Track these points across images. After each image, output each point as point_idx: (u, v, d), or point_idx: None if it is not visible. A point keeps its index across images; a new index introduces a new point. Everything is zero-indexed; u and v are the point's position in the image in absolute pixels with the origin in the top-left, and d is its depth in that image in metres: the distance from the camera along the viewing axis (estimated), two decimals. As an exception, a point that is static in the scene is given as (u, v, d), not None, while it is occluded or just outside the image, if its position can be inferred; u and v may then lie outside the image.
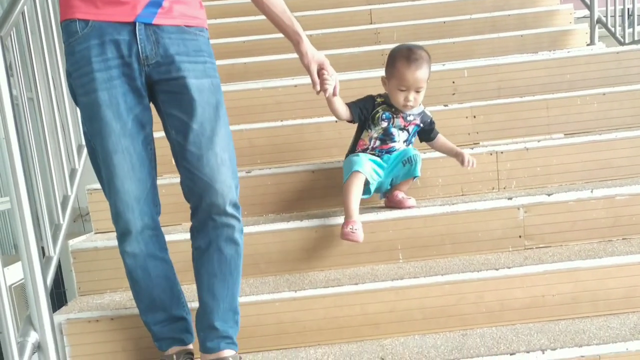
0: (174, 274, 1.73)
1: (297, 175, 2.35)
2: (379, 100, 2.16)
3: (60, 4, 1.55)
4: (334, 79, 1.89)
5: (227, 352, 1.66)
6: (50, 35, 2.16)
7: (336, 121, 2.49)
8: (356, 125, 2.19)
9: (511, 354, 1.67)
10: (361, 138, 2.19)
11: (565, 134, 2.55)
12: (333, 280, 1.96)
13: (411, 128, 2.18)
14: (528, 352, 1.67)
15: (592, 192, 2.13)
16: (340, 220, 2.08)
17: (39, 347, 1.61)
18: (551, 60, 2.83)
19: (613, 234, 2.15)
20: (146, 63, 1.53)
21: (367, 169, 2.07)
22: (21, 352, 1.53)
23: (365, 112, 2.14)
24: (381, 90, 2.18)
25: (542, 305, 1.90)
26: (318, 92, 1.89)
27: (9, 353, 1.51)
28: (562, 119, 2.59)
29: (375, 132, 2.15)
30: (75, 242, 2.12)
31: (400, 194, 2.16)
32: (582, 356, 1.67)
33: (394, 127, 2.15)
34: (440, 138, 2.24)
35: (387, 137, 2.15)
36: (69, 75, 1.56)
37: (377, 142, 2.16)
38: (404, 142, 2.18)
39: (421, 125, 2.20)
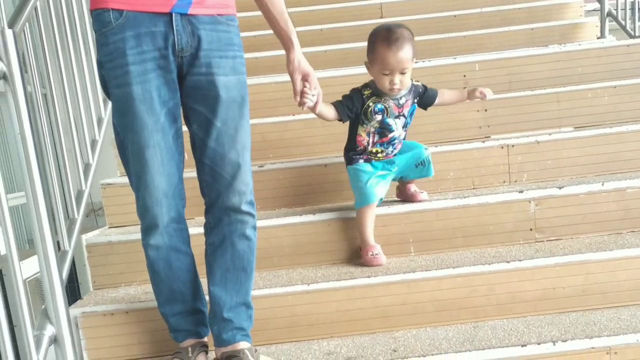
0: (195, 268, 1.73)
1: (309, 170, 2.37)
2: (366, 92, 2.09)
3: None
4: (316, 93, 1.86)
5: (243, 344, 1.67)
6: (64, 30, 2.17)
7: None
8: None
9: (522, 346, 1.69)
10: (358, 133, 2.13)
11: (575, 127, 2.56)
12: (345, 274, 1.98)
13: (406, 111, 2.12)
14: (539, 343, 1.69)
15: (602, 184, 2.14)
16: (353, 214, 2.11)
17: (55, 340, 1.62)
18: (562, 54, 2.83)
19: (624, 227, 2.15)
20: (181, 55, 1.52)
21: (379, 193, 2.07)
22: (38, 345, 1.54)
23: (354, 109, 2.08)
24: None
25: (553, 297, 1.91)
26: (299, 104, 1.87)
27: (26, 346, 1.51)
28: (573, 112, 2.59)
29: (371, 127, 2.10)
30: (90, 237, 2.14)
31: (412, 188, 2.17)
32: (593, 347, 1.68)
33: (389, 117, 2.09)
34: (444, 92, 2.20)
35: (384, 129, 2.10)
36: (100, 65, 1.55)
37: (376, 137, 2.11)
38: (403, 128, 2.14)
39: (416, 100, 2.15)
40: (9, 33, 1.47)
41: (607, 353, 1.68)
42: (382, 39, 1.97)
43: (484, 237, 2.15)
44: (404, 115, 2.12)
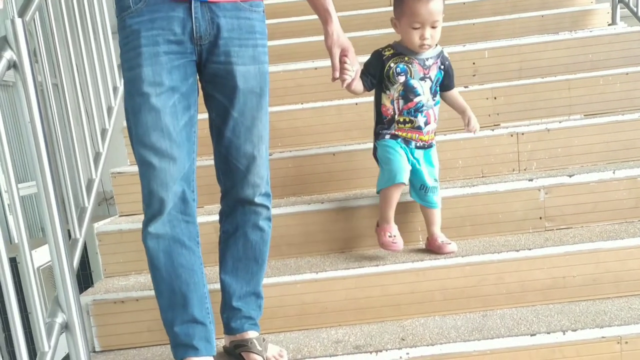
0: (202, 273, 1.57)
1: (317, 158, 2.34)
2: (387, 53, 1.95)
3: None
4: (354, 69, 1.75)
5: (251, 334, 1.66)
6: (74, 20, 2.15)
7: (356, 103, 2.48)
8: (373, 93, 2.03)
9: (532, 335, 1.66)
10: (382, 103, 1.98)
11: (587, 115, 2.51)
12: (354, 262, 1.95)
13: (433, 74, 1.95)
14: (549, 333, 1.66)
15: (614, 173, 2.09)
16: (361, 202, 2.08)
17: (66, 328, 1.60)
18: (573, 40, 2.76)
19: (635, 215, 2.11)
20: (199, 43, 1.47)
21: (408, 174, 1.94)
22: (49, 332, 1.53)
23: (376, 74, 1.95)
24: None
25: (563, 286, 1.88)
26: (334, 79, 1.75)
27: (37, 333, 1.50)
28: (584, 99, 2.53)
29: (394, 92, 1.94)
30: (101, 225, 2.14)
31: (439, 239, 1.98)
32: (603, 337, 1.65)
33: (413, 78, 1.93)
34: (454, 91, 2.07)
35: (408, 92, 1.93)
36: (120, 50, 1.51)
37: (401, 102, 1.94)
38: (430, 92, 1.96)
39: (442, 67, 1.98)
40: (18, 22, 1.44)
41: (618, 342, 1.65)
42: None
43: (493, 226, 2.11)
44: (429, 78, 1.95)
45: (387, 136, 1.98)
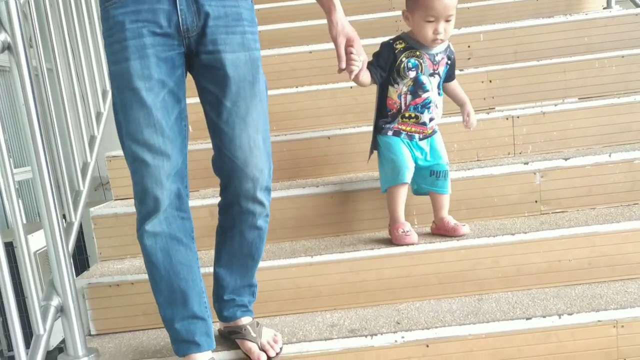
0: (198, 268, 1.53)
1: (312, 142, 2.29)
2: (399, 46, 1.87)
3: None
4: (361, 59, 1.67)
5: (245, 320, 1.62)
6: (69, 6, 2.10)
7: (351, 87, 2.42)
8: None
9: (527, 319, 1.61)
10: (389, 96, 1.91)
11: (582, 98, 2.46)
12: (349, 246, 1.91)
13: (441, 70, 1.90)
14: (544, 316, 1.61)
15: (610, 156, 2.05)
16: (356, 185, 2.04)
17: (61, 311, 1.58)
18: (569, 23, 2.71)
19: (631, 199, 2.07)
20: (187, 35, 1.39)
21: (412, 172, 1.88)
22: (44, 315, 1.52)
23: (387, 67, 1.87)
24: None
25: (559, 270, 1.84)
26: (340, 70, 1.66)
27: (33, 316, 1.49)
28: (580, 82, 2.48)
29: (404, 86, 1.88)
30: (96, 209, 2.09)
31: (452, 221, 1.92)
32: (599, 321, 1.61)
33: (424, 74, 1.87)
34: (455, 83, 2.01)
35: (417, 87, 1.87)
36: (104, 41, 1.44)
37: (409, 97, 1.88)
38: (437, 88, 1.91)
39: (449, 62, 1.93)
40: (12, 3, 1.40)
41: (614, 326, 1.61)
42: None
43: (489, 209, 2.07)
44: (438, 74, 1.90)
45: (390, 132, 1.92)
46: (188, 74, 1.50)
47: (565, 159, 2.06)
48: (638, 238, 1.83)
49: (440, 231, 1.94)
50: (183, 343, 1.51)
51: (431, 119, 1.92)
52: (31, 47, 1.56)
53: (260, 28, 3.06)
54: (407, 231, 1.85)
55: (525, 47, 2.71)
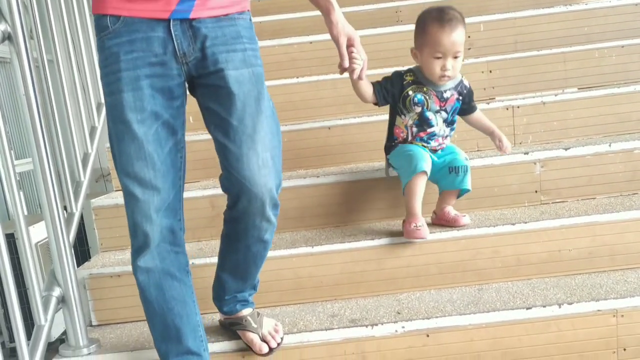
0: (194, 302, 1.49)
1: (313, 132, 2.27)
2: (408, 78, 1.86)
3: None
4: (363, 58, 1.64)
5: (245, 312, 1.59)
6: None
7: (352, 78, 2.40)
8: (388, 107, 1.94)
9: (527, 308, 1.60)
10: (396, 125, 1.92)
11: (583, 88, 2.43)
12: (349, 236, 1.89)
13: (449, 107, 1.88)
14: (544, 306, 1.60)
15: (610, 145, 2.02)
16: (357, 176, 2.02)
17: (62, 301, 1.58)
18: (569, 13, 2.68)
19: (631, 188, 2.05)
20: (185, 61, 1.34)
21: (429, 165, 1.82)
22: (45, 305, 1.52)
23: (391, 93, 1.86)
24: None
25: (559, 260, 1.82)
26: (343, 72, 1.64)
27: (34, 306, 1.49)
28: (580, 72, 2.46)
29: (409, 119, 1.87)
30: (97, 200, 2.07)
31: (452, 211, 1.90)
32: (599, 310, 1.59)
33: (429, 111, 1.86)
34: (478, 113, 1.97)
35: (423, 122, 1.87)
36: (100, 71, 1.39)
37: (415, 129, 1.88)
38: (444, 122, 1.89)
39: (460, 98, 1.90)
40: None
41: (614, 316, 1.59)
42: (434, 19, 1.76)
43: (489, 200, 2.05)
44: (445, 111, 1.88)
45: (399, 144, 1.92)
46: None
47: (566, 149, 2.03)
48: (638, 228, 1.82)
49: (441, 221, 1.92)
50: None
51: (440, 145, 1.92)
52: (32, 39, 1.55)
53: (262, 19, 3.07)
54: (420, 225, 1.78)
55: (526, 37, 2.68)
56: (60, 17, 1.99)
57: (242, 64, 1.36)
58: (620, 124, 2.25)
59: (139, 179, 1.34)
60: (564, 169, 2.04)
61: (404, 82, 1.86)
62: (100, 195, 2.18)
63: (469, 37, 2.61)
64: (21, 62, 1.43)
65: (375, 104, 1.88)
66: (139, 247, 1.40)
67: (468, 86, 1.92)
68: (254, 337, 1.56)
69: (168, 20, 1.30)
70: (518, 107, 2.25)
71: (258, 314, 1.61)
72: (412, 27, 1.87)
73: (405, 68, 1.91)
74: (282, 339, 1.58)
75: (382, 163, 2.08)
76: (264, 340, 1.56)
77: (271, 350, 1.56)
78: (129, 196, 1.37)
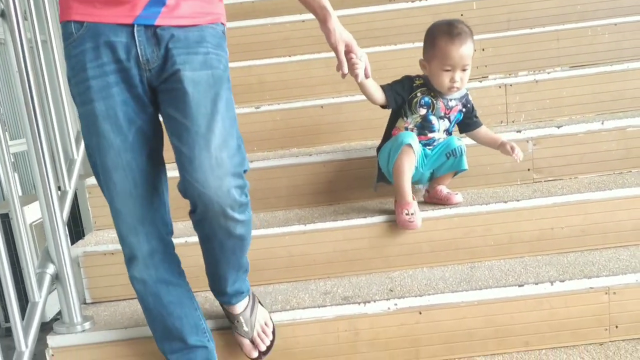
0: (191, 298, 1.47)
1: (305, 111, 2.23)
2: (417, 82, 1.84)
3: (59, 4, 1.30)
4: (363, 60, 1.60)
5: (239, 307, 1.51)
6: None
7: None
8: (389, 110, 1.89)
9: (519, 286, 1.57)
10: (396, 127, 1.87)
11: (575, 66, 2.39)
12: (342, 214, 1.86)
13: (453, 116, 1.86)
14: (536, 283, 1.57)
15: (602, 123, 1.99)
16: (350, 154, 1.98)
17: (56, 278, 1.56)
18: (562, -10, 2.63)
19: (624, 166, 2.02)
20: (147, 67, 1.26)
21: (417, 147, 1.77)
22: (40, 282, 1.50)
23: (402, 95, 1.82)
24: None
25: (551, 237, 1.79)
26: (344, 76, 1.58)
27: (28, 283, 1.48)
28: (573, 50, 2.42)
29: (412, 121, 1.84)
30: (91, 178, 2.03)
31: (445, 189, 1.87)
32: (591, 287, 1.56)
33: (434, 115, 1.83)
34: (483, 129, 1.92)
35: (425, 126, 1.84)
36: (69, 81, 1.32)
37: (415, 132, 1.84)
38: (445, 131, 1.87)
39: (463, 110, 1.88)
40: None
41: (606, 293, 1.56)
42: (444, 33, 1.75)
43: (481, 178, 2.01)
44: (448, 119, 1.86)
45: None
46: None
47: (558, 127, 2.00)
48: (630, 206, 1.79)
49: (433, 199, 1.89)
50: None
51: (432, 149, 1.88)
52: (25, 20, 1.51)
53: (256, -2, 2.99)
54: (412, 214, 1.72)
55: (519, 15, 2.63)
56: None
57: (202, 66, 1.28)
58: (613, 102, 2.22)
59: (119, 191, 1.30)
60: (557, 147, 2.00)
61: (414, 85, 1.84)
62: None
63: (461, 15, 2.57)
64: (14, 40, 1.40)
65: (384, 106, 1.83)
66: (129, 258, 1.38)
67: (472, 101, 1.90)
68: (244, 341, 1.52)
69: (132, 26, 1.23)
70: (511, 85, 2.21)
71: (252, 308, 1.53)
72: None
73: (415, 74, 1.87)
74: (272, 341, 1.54)
75: (374, 142, 2.04)
76: (253, 342, 1.52)
77: (261, 355, 1.52)
78: (112, 208, 1.34)
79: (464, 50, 1.74)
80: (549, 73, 2.24)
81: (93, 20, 1.23)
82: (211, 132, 1.25)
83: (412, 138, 1.77)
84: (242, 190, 1.30)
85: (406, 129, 1.85)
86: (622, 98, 2.22)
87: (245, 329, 1.51)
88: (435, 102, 1.82)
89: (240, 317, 1.51)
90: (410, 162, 1.76)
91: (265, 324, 1.54)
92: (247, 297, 1.53)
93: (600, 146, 2.00)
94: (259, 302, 1.58)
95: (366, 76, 1.64)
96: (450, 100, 1.84)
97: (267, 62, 2.43)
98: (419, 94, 1.82)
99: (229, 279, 1.46)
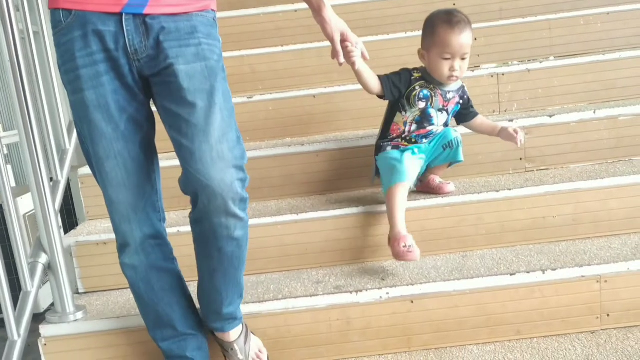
0: (182, 285, 1.46)
1: (298, 100, 2.21)
2: (415, 75, 1.81)
3: None
4: (359, 47, 1.59)
5: (233, 335, 1.47)
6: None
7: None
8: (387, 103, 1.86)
9: (511, 274, 1.56)
10: (394, 122, 1.84)
11: (567, 55, 2.37)
12: (334, 204, 1.84)
13: (451, 108, 1.84)
14: (528, 272, 1.56)
15: (594, 112, 1.97)
16: (342, 144, 1.96)
17: (49, 268, 1.54)
18: (554, -20, 2.61)
19: (616, 155, 2.00)
20: (136, 57, 1.24)
21: (412, 175, 1.75)
22: (32, 272, 1.49)
23: (399, 88, 1.79)
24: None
25: (543, 226, 1.78)
26: (341, 64, 1.59)
27: (21, 273, 1.47)
28: (565, 39, 2.40)
29: (410, 115, 1.81)
30: (83, 168, 2.01)
31: (437, 179, 1.86)
32: (583, 276, 1.55)
33: (433, 108, 1.81)
34: (479, 118, 1.90)
35: (424, 119, 1.81)
36: (59, 69, 1.29)
37: (413, 126, 1.82)
38: (443, 124, 1.85)
39: (460, 102, 1.86)
40: None
41: (597, 281, 1.55)
42: (444, 21, 1.73)
43: (474, 167, 2.00)
44: (447, 111, 1.84)
45: (389, 147, 1.83)
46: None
47: (550, 116, 1.98)
48: (621, 194, 1.78)
49: (426, 189, 1.87)
50: (175, 359, 1.47)
51: (429, 143, 1.85)
52: (17, 11, 1.49)
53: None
54: (410, 245, 1.60)
55: (511, 4, 2.61)
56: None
57: (195, 58, 1.25)
58: (605, 91, 2.20)
59: (110, 179, 1.30)
60: (549, 136, 1.99)
61: (412, 78, 1.81)
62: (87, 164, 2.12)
63: (454, 4, 2.55)
64: (6, 30, 1.39)
65: (381, 96, 1.81)
66: (121, 245, 1.38)
67: (467, 92, 1.88)
68: None
69: (120, 15, 1.21)
70: (503, 74, 2.19)
71: (246, 334, 1.50)
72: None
73: (412, 67, 1.85)
74: None
75: (366, 131, 2.03)
76: None
77: None
78: (105, 196, 1.33)
79: (464, 39, 1.72)
80: (541, 62, 2.22)
81: (81, 8, 1.21)
82: (210, 125, 1.25)
83: (405, 173, 1.72)
84: (243, 184, 1.29)
85: (405, 123, 1.82)
86: (614, 87, 2.20)
87: (240, 357, 1.48)
88: (433, 94, 1.80)
89: (235, 345, 1.47)
90: (404, 196, 1.71)
91: (260, 351, 1.52)
92: (241, 325, 1.49)
93: (592, 135, 1.99)
94: (251, 331, 1.54)
95: (364, 58, 1.63)
96: (449, 92, 1.82)
97: (260, 52, 2.40)
98: (417, 87, 1.80)
99: (225, 297, 1.41)
